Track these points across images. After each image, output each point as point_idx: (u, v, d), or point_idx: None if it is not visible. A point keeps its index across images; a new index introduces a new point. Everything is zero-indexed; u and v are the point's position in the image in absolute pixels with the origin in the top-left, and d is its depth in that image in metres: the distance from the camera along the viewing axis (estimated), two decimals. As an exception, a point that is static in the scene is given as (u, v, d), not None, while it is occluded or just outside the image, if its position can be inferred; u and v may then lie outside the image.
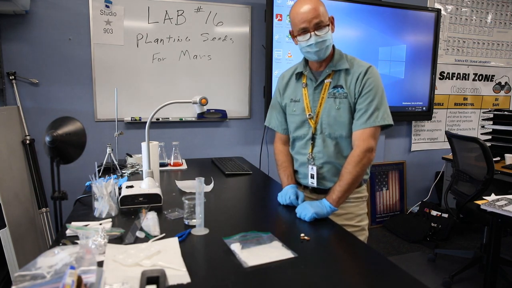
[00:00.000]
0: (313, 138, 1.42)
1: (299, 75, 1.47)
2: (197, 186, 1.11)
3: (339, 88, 1.37)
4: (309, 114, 1.41)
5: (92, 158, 1.78)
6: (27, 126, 2.51)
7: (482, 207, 1.92)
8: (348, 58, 1.40)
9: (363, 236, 1.47)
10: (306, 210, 1.25)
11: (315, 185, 1.44)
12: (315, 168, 1.42)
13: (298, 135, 1.47)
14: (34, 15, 2.49)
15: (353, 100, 1.35)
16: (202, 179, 1.12)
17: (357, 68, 1.36)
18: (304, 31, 1.30)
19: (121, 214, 1.27)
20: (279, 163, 1.56)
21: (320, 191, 1.45)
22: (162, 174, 1.81)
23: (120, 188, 1.38)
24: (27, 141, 2.46)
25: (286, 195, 1.40)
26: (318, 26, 1.28)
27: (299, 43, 1.35)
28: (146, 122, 1.49)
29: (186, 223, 1.18)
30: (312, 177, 1.44)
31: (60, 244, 0.99)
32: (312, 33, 1.29)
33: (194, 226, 1.14)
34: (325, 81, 1.39)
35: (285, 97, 1.51)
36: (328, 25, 1.31)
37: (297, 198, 1.38)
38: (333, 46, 1.41)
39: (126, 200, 1.32)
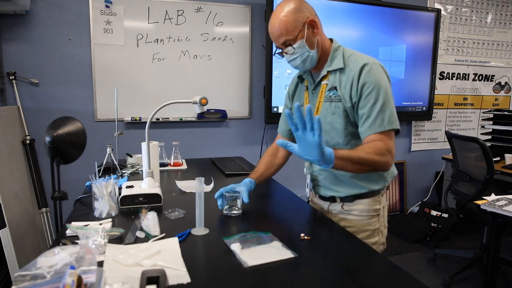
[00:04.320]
0: None
1: (301, 78, 1.39)
2: (197, 186, 1.11)
3: (334, 90, 1.24)
4: None
5: (92, 158, 1.78)
6: (27, 126, 2.51)
7: (482, 207, 1.92)
8: (346, 55, 1.25)
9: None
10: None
11: (308, 195, 1.39)
12: (309, 177, 1.37)
13: None
14: (34, 15, 2.49)
15: (348, 104, 1.21)
16: (202, 179, 1.12)
17: (352, 67, 1.20)
18: (278, 49, 1.24)
19: (121, 214, 1.27)
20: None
21: (325, 198, 1.40)
22: (162, 174, 1.81)
23: (120, 188, 1.38)
24: (27, 141, 2.46)
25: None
26: (285, 45, 1.21)
27: None
28: (146, 122, 1.49)
29: (226, 213, 1.26)
30: (307, 186, 1.38)
31: (60, 244, 0.99)
32: (284, 52, 1.23)
33: (236, 217, 1.23)
34: (322, 83, 1.29)
35: (294, 101, 1.44)
36: (297, 39, 1.18)
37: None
38: (332, 41, 1.29)
39: (126, 200, 1.31)
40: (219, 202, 1.28)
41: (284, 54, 1.23)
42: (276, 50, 1.26)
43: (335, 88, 1.24)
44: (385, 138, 1.17)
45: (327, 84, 1.27)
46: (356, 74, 1.18)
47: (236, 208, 1.26)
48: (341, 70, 1.24)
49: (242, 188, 1.29)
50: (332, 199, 1.37)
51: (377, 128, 1.17)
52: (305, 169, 1.41)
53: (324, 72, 1.28)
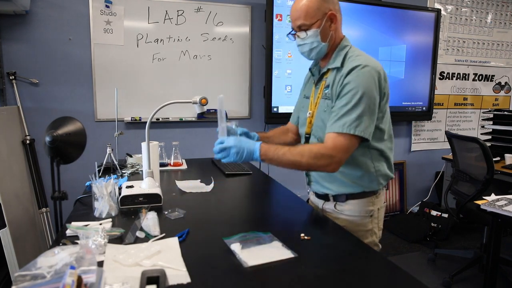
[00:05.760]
0: (307, 139, 1.37)
1: (312, 71, 1.42)
2: (218, 104, 1.19)
3: (328, 88, 1.25)
4: (309, 113, 1.35)
5: (92, 158, 1.78)
6: (27, 126, 2.51)
7: (482, 207, 1.92)
8: (348, 55, 1.25)
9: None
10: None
11: (308, 191, 1.42)
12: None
13: (300, 132, 1.44)
14: (34, 15, 2.49)
15: (333, 103, 1.21)
16: (222, 96, 1.18)
17: (346, 67, 1.20)
18: (293, 30, 1.26)
19: (121, 214, 1.27)
20: None
21: (319, 196, 1.41)
22: (162, 174, 1.81)
23: (120, 188, 1.38)
24: (27, 141, 2.46)
25: None
26: (300, 29, 1.22)
27: None
28: (146, 122, 1.49)
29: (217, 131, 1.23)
30: (306, 181, 1.40)
31: (60, 244, 0.99)
32: (296, 35, 1.25)
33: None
34: (323, 79, 1.31)
35: (304, 91, 1.47)
36: (312, 26, 1.21)
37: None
38: (343, 39, 1.31)
39: (126, 200, 1.31)
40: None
41: (296, 37, 1.26)
42: (291, 31, 1.28)
43: (329, 86, 1.25)
44: (340, 140, 1.15)
45: (326, 81, 1.29)
46: (345, 74, 1.19)
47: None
48: (338, 69, 1.24)
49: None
50: (325, 198, 1.37)
51: (337, 128, 1.15)
52: None
53: (325, 69, 1.30)
